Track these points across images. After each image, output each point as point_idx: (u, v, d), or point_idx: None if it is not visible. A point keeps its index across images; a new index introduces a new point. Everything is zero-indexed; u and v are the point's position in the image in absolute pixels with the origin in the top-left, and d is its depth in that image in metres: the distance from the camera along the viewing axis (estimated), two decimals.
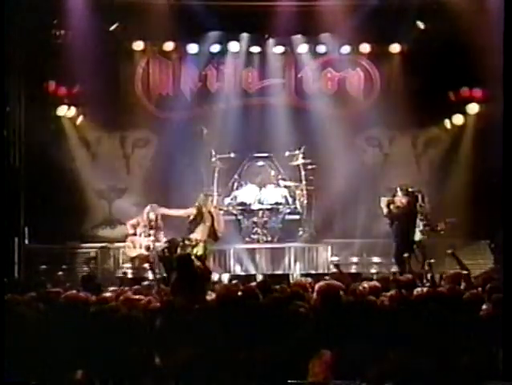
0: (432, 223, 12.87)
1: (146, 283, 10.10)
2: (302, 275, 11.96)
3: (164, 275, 11.51)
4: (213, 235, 12.38)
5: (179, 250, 12.44)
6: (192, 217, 12.36)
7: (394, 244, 12.26)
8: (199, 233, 12.24)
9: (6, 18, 9.39)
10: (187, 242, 12.34)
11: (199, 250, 12.10)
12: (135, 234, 13.02)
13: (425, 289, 7.40)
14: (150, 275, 12.42)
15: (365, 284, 7.53)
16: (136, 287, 8.63)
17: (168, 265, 11.97)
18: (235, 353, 4.94)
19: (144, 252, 12.89)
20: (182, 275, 8.01)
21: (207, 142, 14.18)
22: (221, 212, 13.68)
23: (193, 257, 11.79)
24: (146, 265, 12.76)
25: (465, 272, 8.32)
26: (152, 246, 12.84)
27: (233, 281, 10.37)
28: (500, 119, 6.69)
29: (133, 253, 13.01)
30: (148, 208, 13.06)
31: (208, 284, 9.25)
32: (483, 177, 13.61)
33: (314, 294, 6.49)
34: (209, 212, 12.30)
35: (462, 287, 7.68)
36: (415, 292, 7.23)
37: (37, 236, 13.57)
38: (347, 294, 6.80)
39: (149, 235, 12.93)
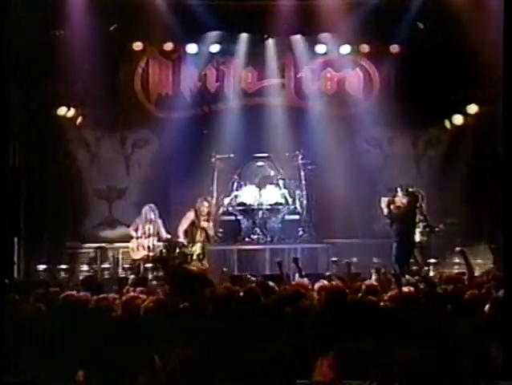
0: (432, 223, 12.88)
1: (150, 284, 10.12)
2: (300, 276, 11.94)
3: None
4: (205, 238, 12.39)
5: (177, 250, 12.46)
6: (191, 220, 12.37)
7: (394, 244, 12.26)
8: (197, 234, 12.26)
9: (6, 18, 9.37)
10: (185, 242, 12.35)
11: (197, 250, 12.11)
12: (137, 237, 13.05)
13: (425, 290, 7.40)
14: (150, 275, 12.45)
15: (364, 284, 7.52)
16: (139, 288, 8.63)
17: (166, 265, 11.99)
18: (236, 353, 4.94)
19: (147, 253, 12.92)
20: (179, 286, 8.00)
21: (207, 142, 14.21)
22: (220, 212, 13.69)
23: (188, 261, 11.88)
24: (147, 265, 12.78)
25: (468, 272, 8.30)
26: (152, 246, 12.88)
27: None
28: (500, 120, 6.69)
29: (137, 255, 13.02)
30: (146, 208, 13.07)
31: (206, 286, 9.22)
32: (483, 177, 13.61)
33: (318, 294, 6.49)
34: (204, 214, 12.30)
35: (462, 287, 7.68)
36: (415, 292, 7.23)
37: (37, 236, 13.57)
38: (350, 294, 6.80)
39: (150, 235, 12.95)
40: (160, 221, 13.03)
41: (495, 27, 10.33)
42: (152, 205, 13.08)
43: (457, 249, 9.17)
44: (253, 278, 11.05)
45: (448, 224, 12.86)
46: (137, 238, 13.04)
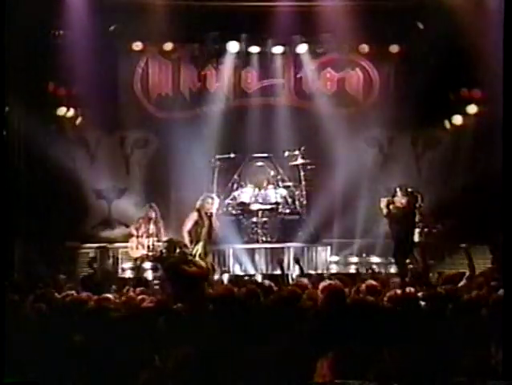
0: (431, 224, 12.88)
1: (151, 284, 10.15)
2: (301, 275, 11.95)
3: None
4: (209, 236, 12.38)
5: (178, 250, 12.45)
6: (194, 221, 12.36)
7: (393, 244, 12.26)
8: (201, 234, 12.24)
9: (6, 18, 9.38)
10: (188, 242, 12.32)
11: (199, 249, 12.10)
12: (137, 236, 13.05)
13: (424, 290, 7.41)
14: (150, 275, 12.46)
15: (365, 284, 7.53)
16: (139, 288, 8.65)
17: (166, 265, 11.98)
18: (236, 353, 4.95)
19: (146, 252, 12.93)
20: (176, 281, 8.03)
21: (207, 142, 14.23)
22: (218, 212, 13.69)
23: (188, 260, 11.85)
24: (147, 265, 12.79)
25: (467, 272, 8.32)
26: (152, 246, 12.89)
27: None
28: (499, 120, 6.70)
29: (136, 253, 13.04)
30: (148, 207, 13.09)
31: (206, 284, 9.25)
32: (483, 178, 13.60)
33: (319, 293, 6.50)
34: (206, 213, 12.30)
35: (462, 287, 7.70)
36: (414, 292, 7.25)
37: (37, 236, 13.57)
38: (349, 294, 6.82)
39: (150, 235, 12.96)
40: (161, 221, 13.05)
41: (495, 27, 10.34)
42: (153, 205, 13.11)
43: (462, 245, 9.17)
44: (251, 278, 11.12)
45: (446, 224, 12.84)
46: (137, 237, 13.05)
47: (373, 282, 7.47)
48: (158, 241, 12.92)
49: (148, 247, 12.93)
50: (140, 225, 13.08)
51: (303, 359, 4.75)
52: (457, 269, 10.14)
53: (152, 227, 13.03)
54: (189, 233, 12.26)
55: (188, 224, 12.29)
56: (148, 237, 12.99)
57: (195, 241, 12.17)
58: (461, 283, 7.94)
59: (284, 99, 15.32)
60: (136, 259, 13.09)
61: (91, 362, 5.21)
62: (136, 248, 13.06)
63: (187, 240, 12.21)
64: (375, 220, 13.35)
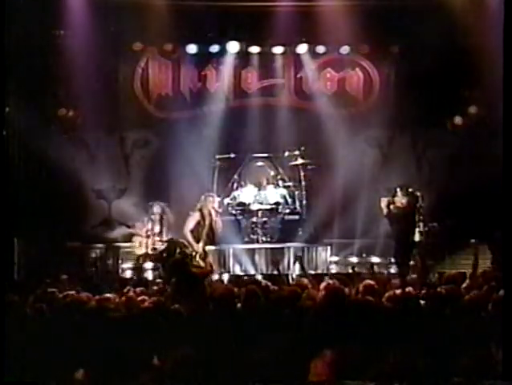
0: (431, 224, 12.88)
1: (152, 285, 10.15)
2: (301, 276, 11.96)
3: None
4: (211, 235, 12.38)
5: (178, 250, 12.46)
6: (196, 221, 12.36)
7: (394, 244, 12.25)
8: (203, 233, 12.25)
9: (7, 18, 9.39)
10: (192, 241, 12.32)
11: (200, 250, 12.10)
12: (144, 233, 13.08)
13: (424, 290, 7.41)
14: (151, 275, 12.47)
15: (363, 284, 7.52)
16: (139, 288, 8.66)
17: (166, 265, 12.00)
18: (236, 353, 4.95)
19: (149, 251, 12.94)
20: (179, 279, 8.05)
21: (207, 142, 14.24)
22: (220, 211, 13.70)
23: (188, 260, 11.86)
24: (147, 265, 12.79)
25: (472, 270, 8.32)
26: (155, 245, 12.91)
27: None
28: (499, 120, 6.70)
29: (140, 251, 13.05)
30: (157, 206, 13.12)
31: (207, 284, 9.26)
32: (483, 178, 13.59)
33: (319, 293, 6.50)
34: (209, 212, 12.30)
35: (462, 287, 7.70)
36: (414, 292, 7.25)
37: (37, 236, 13.57)
38: (349, 294, 6.83)
39: (155, 234, 12.98)
40: (166, 223, 13.08)
41: (495, 27, 10.34)
42: (162, 204, 13.14)
43: (472, 241, 9.15)
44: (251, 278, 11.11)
45: (446, 223, 12.84)
46: (147, 236, 13.05)
47: (371, 282, 7.46)
48: (161, 240, 12.95)
49: (153, 246, 12.94)
50: (148, 224, 13.09)
51: (303, 359, 4.75)
52: (457, 269, 10.15)
53: (158, 227, 13.06)
54: (192, 232, 12.26)
55: (190, 224, 12.30)
56: (152, 236, 13.01)
57: (198, 240, 12.18)
58: (464, 284, 7.93)
59: (284, 99, 15.32)
60: (138, 258, 13.09)
61: (90, 362, 5.21)
62: (139, 245, 13.07)
63: (190, 239, 12.21)
64: (376, 220, 13.35)
